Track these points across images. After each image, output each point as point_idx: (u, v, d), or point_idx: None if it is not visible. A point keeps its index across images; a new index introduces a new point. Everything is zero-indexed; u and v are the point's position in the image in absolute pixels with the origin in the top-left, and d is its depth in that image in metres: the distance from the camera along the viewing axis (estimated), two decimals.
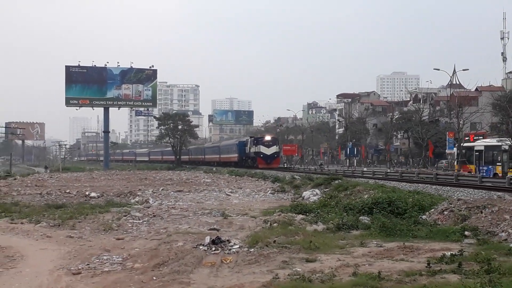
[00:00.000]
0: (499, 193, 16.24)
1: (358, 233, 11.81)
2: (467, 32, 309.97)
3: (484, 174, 25.83)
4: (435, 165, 47.64)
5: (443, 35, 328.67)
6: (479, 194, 16.24)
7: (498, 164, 26.26)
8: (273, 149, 47.10)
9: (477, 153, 28.86)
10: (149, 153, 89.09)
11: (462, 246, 9.83)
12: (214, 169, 53.77)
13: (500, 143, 26.95)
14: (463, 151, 31.36)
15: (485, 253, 8.87)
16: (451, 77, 49.80)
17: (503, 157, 26.01)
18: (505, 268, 7.51)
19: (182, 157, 69.31)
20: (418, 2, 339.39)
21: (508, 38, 70.04)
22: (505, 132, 38.15)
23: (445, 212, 12.90)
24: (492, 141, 29.38)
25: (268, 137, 49.77)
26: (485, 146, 28.47)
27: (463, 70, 51.94)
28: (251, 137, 53.73)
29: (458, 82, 54.59)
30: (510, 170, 24.29)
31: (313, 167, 47.93)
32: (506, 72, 63.40)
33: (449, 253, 8.92)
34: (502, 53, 69.35)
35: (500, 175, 24.63)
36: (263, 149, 46.54)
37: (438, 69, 48.43)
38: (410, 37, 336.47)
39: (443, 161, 52.10)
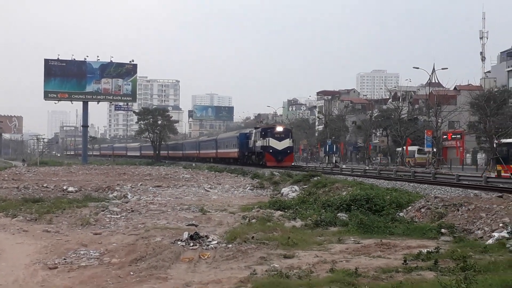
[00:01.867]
0: (476, 191, 16.50)
1: (336, 230, 12.09)
2: (448, 31, 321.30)
3: None
4: (370, 161, 50.50)
5: (424, 34, 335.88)
6: (456, 192, 16.54)
7: None
8: (286, 142, 37.63)
9: None
10: (140, 148, 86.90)
11: (439, 244, 10.09)
12: (193, 164, 53.53)
13: None
14: (503, 148, 27.23)
15: (461, 250, 9.16)
16: (430, 75, 52.68)
17: None
18: (481, 266, 7.80)
19: (170, 152, 69.55)
20: (399, 2, 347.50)
21: (487, 38, 71.12)
22: (482, 131, 39.36)
23: (422, 210, 13.24)
24: None
25: (280, 128, 40.49)
26: None
27: (442, 69, 54.45)
28: (256, 128, 45.13)
29: (437, 81, 57.36)
30: None
31: (322, 165, 45.22)
32: (485, 71, 64.72)
33: (425, 250, 9.17)
34: (481, 53, 70.30)
35: None
36: (273, 143, 37.14)
37: (418, 68, 49.39)
38: (390, 36, 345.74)
39: (377, 158, 54.89)
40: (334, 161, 48.52)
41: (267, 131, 38.54)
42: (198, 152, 61.93)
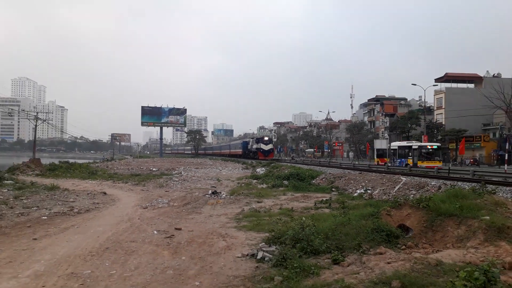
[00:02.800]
0: (348, 170, 26.41)
1: (282, 189, 19.81)
2: (332, 92, 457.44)
3: (398, 164, 35.91)
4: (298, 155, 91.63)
5: (320, 88, 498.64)
6: (339, 171, 26.04)
7: (409, 157, 35.40)
8: (270, 146, 63.16)
9: (392, 151, 40.05)
10: (190, 149, 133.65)
11: (331, 195, 16.86)
12: (214, 157, 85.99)
13: (410, 144, 37.02)
14: (379, 150, 45.66)
15: (341, 198, 15.33)
16: (327, 115, 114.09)
17: (413, 153, 35.23)
18: (351, 206, 12.82)
19: (207, 151, 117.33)
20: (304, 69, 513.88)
21: (353, 98, 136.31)
22: (351, 142, 76.72)
23: (323, 179, 21.80)
24: (403, 143, 40.19)
25: (266, 138, 67.03)
26: (398, 146, 38.92)
27: (332, 112, 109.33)
28: (252, 138, 76.18)
29: (330, 118, 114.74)
30: (420, 162, 33.45)
31: (286, 158, 72.23)
32: (353, 113, 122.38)
33: (325, 199, 15.32)
34: (351, 105, 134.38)
35: (411, 165, 33.57)
36: (263, 146, 61.87)
37: (321, 111, 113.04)
38: (303, 88, 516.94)
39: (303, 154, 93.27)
40: (292, 157, 78.95)
41: (259, 140, 65.21)
42: (220, 151, 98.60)
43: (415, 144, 36.58)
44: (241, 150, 73.99)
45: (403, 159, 36.75)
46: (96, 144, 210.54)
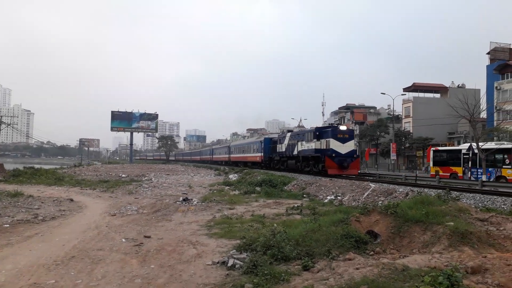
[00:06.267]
0: (319, 177, 26.33)
1: (254, 195, 19.80)
2: (307, 100, 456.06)
3: (480, 177, 24.63)
4: None
5: (291, 96, 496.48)
6: (310, 177, 25.97)
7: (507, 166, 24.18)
8: (350, 145, 28.23)
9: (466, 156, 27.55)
10: (160, 155, 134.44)
11: (302, 202, 16.86)
12: (185, 163, 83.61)
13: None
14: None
15: (312, 205, 15.39)
16: (299, 122, 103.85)
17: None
18: (322, 212, 12.78)
19: (184, 157, 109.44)
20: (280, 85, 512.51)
21: (325, 105, 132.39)
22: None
23: (295, 185, 22.01)
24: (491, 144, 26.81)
25: (343, 127, 29.87)
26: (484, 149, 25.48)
27: (304, 119, 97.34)
28: (300, 128, 40.60)
29: (302, 125, 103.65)
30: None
31: None
32: (324, 120, 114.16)
33: (296, 205, 15.26)
34: (322, 112, 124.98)
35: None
36: (335, 145, 27.53)
37: (293, 118, 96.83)
38: (276, 96, 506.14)
39: None
40: None
41: (326, 131, 28.82)
42: (200, 157, 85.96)
43: None
44: (260, 154, 41.90)
45: (489, 169, 25.12)
46: (64, 150, 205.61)
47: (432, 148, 32.81)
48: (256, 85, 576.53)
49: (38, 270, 7.35)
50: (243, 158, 49.68)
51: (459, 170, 28.02)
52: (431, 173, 30.58)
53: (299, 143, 31.46)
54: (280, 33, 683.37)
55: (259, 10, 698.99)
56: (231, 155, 56.72)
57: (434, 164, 30.78)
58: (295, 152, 32.14)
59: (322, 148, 28.08)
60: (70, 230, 11.43)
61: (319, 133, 29.04)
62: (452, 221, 8.66)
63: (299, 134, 32.99)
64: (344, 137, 27.94)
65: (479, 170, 25.81)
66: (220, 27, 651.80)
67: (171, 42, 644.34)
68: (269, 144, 40.32)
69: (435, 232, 8.36)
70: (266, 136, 46.37)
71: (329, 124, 51.57)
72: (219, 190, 22.72)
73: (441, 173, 28.98)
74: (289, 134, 35.19)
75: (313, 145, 29.13)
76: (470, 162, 27.16)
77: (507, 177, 23.60)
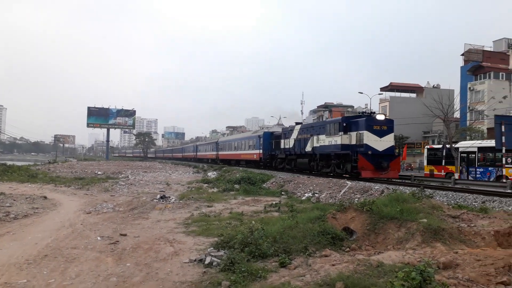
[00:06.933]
0: (297, 174, 26.56)
1: (233, 193, 19.79)
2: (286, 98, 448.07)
3: (480, 176, 23.92)
4: None
5: (270, 95, 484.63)
6: (289, 175, 26.17)
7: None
8: (390, 139, 22.55)
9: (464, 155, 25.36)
10: (132, 152, 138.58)
11: (280, 199, 17.07)
12: (164, 160, 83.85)
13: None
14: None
15: (290, 202, 15.34)
16: (278, 120, 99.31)
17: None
18: (299, 209, 12.78)
19: (165, 154, 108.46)
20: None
21: (303, 104, 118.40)
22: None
23: (274, 183, 22.10)
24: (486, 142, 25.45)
25: (381, 116, 23.27)
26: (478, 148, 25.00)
27: (284, 117, 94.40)
28: (298, 123, 31.71)
29: (281, 123, 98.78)
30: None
31: None
32: (303, 119, 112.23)
33: (274, 202, 15.36)
34: (301, 111, 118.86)
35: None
36: (371, 139, 21.87)
37: (273, 116, 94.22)
38: (255, 94, 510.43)
39: None
40: None
41: (359, 121, 22.65)
42: (182, 154, 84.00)
43: None
44: (258, 152, 36.05)
45: (489, 168, 23.49)
46: (38, 146, 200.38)
47: (426, 147, 31.85)
48: (235, 83, 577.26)
49: (9, 270, 7.15)
50: (235, 156, 44.06)
51: (454, 169, 25.64)
52: (425, 172, 28.98)
53: (314, 138, 25.69)
54: (259, 32, 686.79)
55: (242, 9, 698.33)
56: (220, 152, 51.12)
57: (428, 163, 28.89)
58: (308, 149, 26.46)
59: (352, 143, 22.16)
60: (43, 228, 11.16)
61: (347, 124, 23.04)
62: (425, 218, 8.87)
63: (314, 127, 27.30)
64: (381, 129, 22.04)
65: (478, 170, 24.52)
66: (200, 24, 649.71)
67: (149, 38, 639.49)
68: (270, 139, 34.69)
69: (409, 229, 8.54)
70: (266, 130, 40.97)
71: (361, 112, 37.06)
72: (197, 187, 22.61)
73: (436, 172, 27.61)
74: (298, 126, 29.76)
75: (337, 139, 22.78)
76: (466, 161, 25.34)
77: (509, 176, 21.64)
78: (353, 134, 22.34)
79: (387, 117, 24.79)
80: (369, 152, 21.26)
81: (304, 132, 27.98)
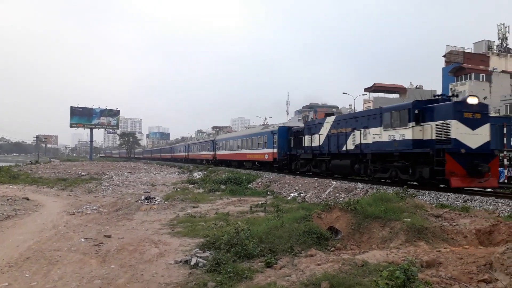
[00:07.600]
0: (283, 174, 26.77)
1: (219, 193, 19.73)
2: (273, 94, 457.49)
3: None
4: None
5: (256, 95, 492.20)
6: (275, 175, 26.30)
7: None
8: (485, 131, 15.64)
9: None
10: (119, 152, 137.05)
11: (266, 199, 17.12)
12: (148, 161, 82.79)
13: None
14: None
15: (276, 202, 15.30)
16: (264, 120, 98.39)
17: None
18: (285, 209, 12.47)
19: (153, 154, 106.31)
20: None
21: (289, 104, 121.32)
22: None
23: (259, 183, 22.12)
24: None
25: (473, 99, 15.59)
26: None
27: (269, 117, 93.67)
28: (328, 114, 25.66)
29: (267, 123, 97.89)
30: None
31: None
32: (288, 119, 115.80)
33: (260, 202, 15.34)
34: (287, 111, 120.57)
35: None
36: (461, 132, 15.23)
37: (258, 116, 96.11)
38: (241, 94, 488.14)
39: None
40: None
41: (442, 106, 16.25)
42: (171, 155, 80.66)
43: None
44: (270, 151, 31.00)
45: None
46: (19, 146, 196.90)
47: None
48: (221, 83, 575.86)
49: None
50: (238, 156, 38.09)
51: None
52: None
53: (361, 132, 20.11)
54: (246, 33, 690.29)
55: (227, 10, 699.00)
56: (218, 152, 45.47)
57: None
58: (350, 147, 20.98)
59: (432, 138, 15.98)
60: (25, 230, 10.95)
61: (420, 110, 16.69)
62: (409, 217, 8.99)
63: (357, 118, 21.03)
64: (474, 118, 15.43)
65: None
66: (187, 24, 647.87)
67: (134, 38, 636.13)
68: (287, 135, 29.30)
69: (393, 228, 8.65)
70: (281, 125, 33.03)
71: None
72: (182, 188, 22.46)
73: None
74: (331, 118, 23.73)
75: (406, 133, 16.89)
76: None
77: None
78: (432, 124, 16.03)
79: (481, 101, 16.44)
80: (462, 151, 15.04)
81: (340, 125, 22.22)
